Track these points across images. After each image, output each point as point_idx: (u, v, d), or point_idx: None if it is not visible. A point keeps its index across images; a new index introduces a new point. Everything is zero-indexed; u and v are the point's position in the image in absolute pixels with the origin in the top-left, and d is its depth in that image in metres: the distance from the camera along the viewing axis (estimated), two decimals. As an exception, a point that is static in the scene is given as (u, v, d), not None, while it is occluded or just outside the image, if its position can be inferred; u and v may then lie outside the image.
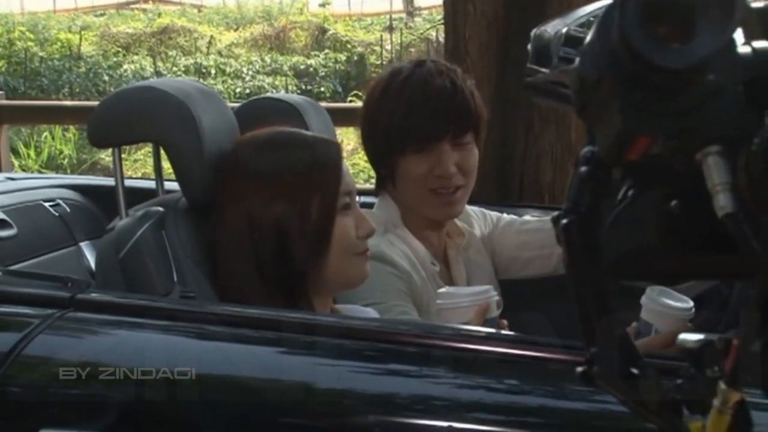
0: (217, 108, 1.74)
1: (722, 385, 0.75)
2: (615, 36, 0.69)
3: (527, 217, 2.22)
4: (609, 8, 0.72)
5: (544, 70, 1.31)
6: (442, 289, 1.77)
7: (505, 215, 2.23)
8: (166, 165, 1.83)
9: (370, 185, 2.31)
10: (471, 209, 2.14)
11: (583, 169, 0.78)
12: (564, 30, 1.32)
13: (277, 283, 1.60)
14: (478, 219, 2.18)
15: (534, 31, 1.40)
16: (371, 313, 1.76)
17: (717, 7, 0.69)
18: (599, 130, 0.75)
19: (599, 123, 0.75)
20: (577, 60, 0.75)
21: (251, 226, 1.60)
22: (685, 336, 0.80)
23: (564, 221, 0.78)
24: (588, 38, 0.74)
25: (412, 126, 1.91)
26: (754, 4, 0.81)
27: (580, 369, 0.79)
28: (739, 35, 0.72)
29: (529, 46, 1.36)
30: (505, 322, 1.70)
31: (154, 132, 1.71)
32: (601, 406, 1.21)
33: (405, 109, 1.91)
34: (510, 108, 2.85)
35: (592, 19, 1.38)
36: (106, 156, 8.74)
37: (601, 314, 0.78)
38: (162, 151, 1.87)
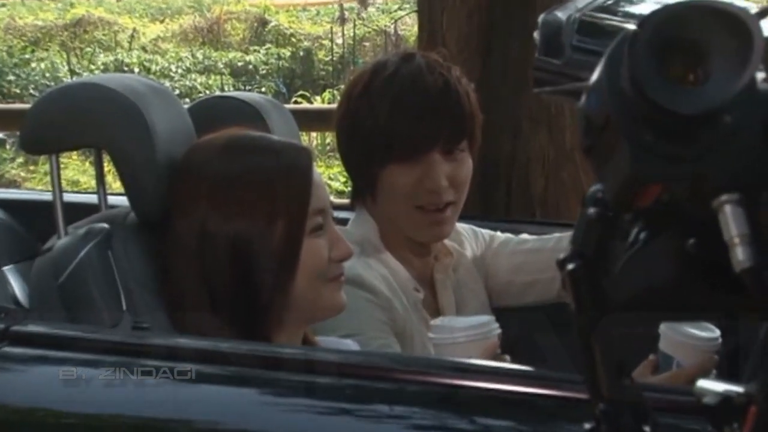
0: (172, 109, 1.73)
1: None
2: (624, 75, 0.72)
3: (524, 236, 2.20)
4: (618, 44, 0.75)
5: (555, 61, 1.32)
6: (436, 321, 1.74)
7: (499, 234, 2.21)
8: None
9: (338, 199, 2.30)
10: (461, 227, 2.12)
11: (591, 210, 0.81)
12: (577, 15, 1.32)
13: (234, 313, 1.58)
14: (469, 238, 2.17)
15: (542, 17, 1.40)
16: (351, 346, 1.75)
17: (734, 46, 0.72)
18: (607, 173, 0.78)
19: (607, 166, 0.78)
20: (583, 98, 0.78)
21: (204, 245, 1.58)
22: (703, 385, 0.82)
23: (570, 266, 0.81)
24: (595, 75, 0.76)
25: (397, 131, 1.89)
26: None
27: (587, 427, 0.81)
28: (759, 71, 0.74)
29: (536, 35, 1.37)
30: (507, 358, 1.69)
31: (99, 136, 1.70)
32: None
33: (389, 110, 1.89)
34: (494, 107, 2.84)
35: (608, 2, 1.39)
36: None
37: (609, 366, 0.81)
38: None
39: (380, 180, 1.94)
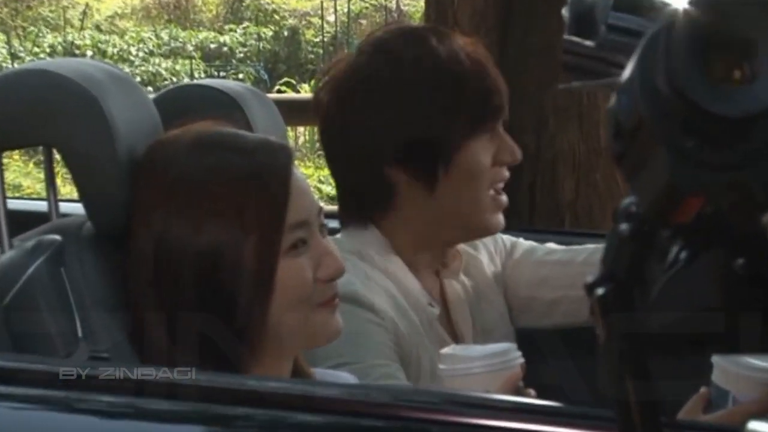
0: (135, 100, 1.75)
1: None
2: (659, 73, 0.73)
3: (552, 245, 2.23)
4: (652, 36, 0.75)
5: (587, 42, 1.32)
6: (446, 349, 1.75)
7: (522, 240, 2.25)
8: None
9: (331, 206, 2.31)
10: None
11: (623, 226, 0.82)
12: (614, -12, 1.33)
13: (202, 342, 1.59)
14: (486, 242, 2.20)
15: (573, -9, 1.41)
16: (347, 379, 1.76)
17: None
18: (641, 184, 0.79)
19: (640, 176, 0.79)
20: (613, 97, 0.79)
21: (164, 261, 1.59)
22: (755, 428, 0.84)
23: (599, 290, 0.82)
24: (626, 71, 0.77)
25: (473, 100, 1.97)
26: None
27: None
28: None
29: (564, 12, 1.37)
30: (532, 391, 1.70)
31: (49, 133, 1.70)
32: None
33: (457, 79, 1.97)
34: (514, 95, 2.84)
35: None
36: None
37: (644, 411, 0.82)
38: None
39: (455, 162, 1.98)
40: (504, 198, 2.05)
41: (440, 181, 1.98)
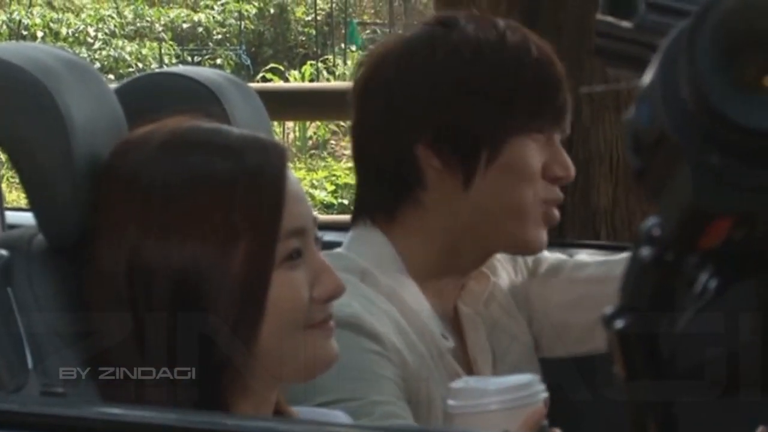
0: (95, 91, 1.75)
1: None
2: (683, 80, 0.75)
3: (583, 257, 2.24)
4: (675, 39, 0.78)
5: (624, 23, 1.34)
6: (457, 383, 1.77)
7: (546, 255, 2.24)
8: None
9: (325, 215, 2.33)
10: None
11: (645, 251, 0.85)
12: (654, -39, 1.34)
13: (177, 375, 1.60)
14: (503, 262, 2.20)
15: (608, -36, 1.42)
16: (340, 418, 1.77)
17: None
18: (663, 204, 0.82)
19: (663, 195, 0.81)
20: (633, 109, 0.82)
21: (135, 281, 1.60)
22: None
23: (618, 323, 0.85)
24: (647, 78, 0.80)
25: (533, 93, 2.03)
26: None
27: None
28: None
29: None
30: None
31: (-6, 129, 1.72)
32: None
33: (521, 66, 2.03)
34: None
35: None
36: None
37: None
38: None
39: (501, 158, 2.02)
40: (556, 214, 2.07)
41: (479, 175, 2.01)
